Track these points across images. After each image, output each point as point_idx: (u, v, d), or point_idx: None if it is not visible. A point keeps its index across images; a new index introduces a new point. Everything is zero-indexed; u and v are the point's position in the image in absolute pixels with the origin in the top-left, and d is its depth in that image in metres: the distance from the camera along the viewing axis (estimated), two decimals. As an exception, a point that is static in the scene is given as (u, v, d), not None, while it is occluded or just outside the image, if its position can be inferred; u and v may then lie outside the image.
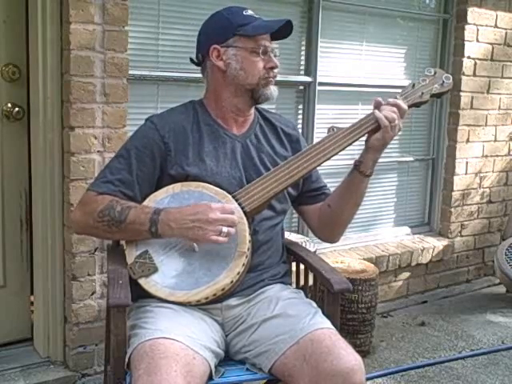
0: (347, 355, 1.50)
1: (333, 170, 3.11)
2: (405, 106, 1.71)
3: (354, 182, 1.76)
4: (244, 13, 1.75)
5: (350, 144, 1.72)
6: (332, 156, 1.71)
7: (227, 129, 1.78)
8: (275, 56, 1.77)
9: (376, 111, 1.68)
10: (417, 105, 1.77)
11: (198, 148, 1.72)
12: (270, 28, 1.73)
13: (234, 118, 1.78)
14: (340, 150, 1.71)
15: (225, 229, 1.57)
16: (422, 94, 1.75)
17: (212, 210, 1.57)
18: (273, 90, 1.76)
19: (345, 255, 3.30)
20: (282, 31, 1.76)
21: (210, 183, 1.68)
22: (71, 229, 2.35)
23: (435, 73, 1.78)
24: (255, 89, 1.73)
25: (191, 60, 1.83)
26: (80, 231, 1.78)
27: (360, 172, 1.74)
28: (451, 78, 1.78)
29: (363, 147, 1.75)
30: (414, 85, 1.76)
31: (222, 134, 1.76)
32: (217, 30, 1.74)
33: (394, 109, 1.69)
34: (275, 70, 1.76)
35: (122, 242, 1.80)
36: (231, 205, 1.63)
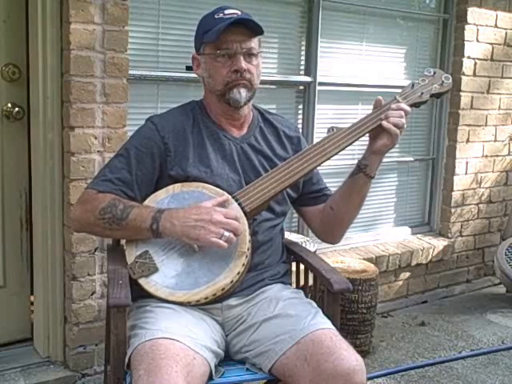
0: (349, 356, 1.49)
1: (333, 170, 3.11)
2: (409, 109, 1.71)
3: (359, 185, 1.76)
4: (215, 16, 1.68)
5: (350, 144, 1.71)
6: (332, 156, 1.71)
7: (226, 131, 1.77)
8: (251, 55, 1.68)
9: (384, 122, 1.66)
10: (416, 105, 1.77)
11: (199, 150, 1.72)
12: (218, 32, 1.63)
13: (228, 121, 1.78)
14: (340, 150, 1.71)
15: (226, 233, 1.56)
16: (422, 94, 1.75)
17: (216, 212, 1.57)
18: (236, 92, 1.69)
19: (345, 255, 3.30)
20: (253, 26, 1.67)
21: (210, 184, 1.68)
22: (71, 228, 2.35)
23: (434, 73, 1.78)
24: (222, 94, 1.71)
25: (187, 68, 1.84)
26: (79, 229, 1.77)
27: (366, 175, 1.73)
28: (450, 78, 1.79)
29: (365, 148, 1.75)
30: (413, 85, 1.76)
31: (221, 136, 1.76)
32: (195, 38, 1.77)
33: (402, 113, 1.68)
34: (243, 73, 1.67)
35: (122, 242, 1.80)
36: (233, 206, 1.63)
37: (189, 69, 1.84)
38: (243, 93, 1.70)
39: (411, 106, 1.75)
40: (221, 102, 1.74)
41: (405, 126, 1.68)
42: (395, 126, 1.66)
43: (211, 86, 1.73)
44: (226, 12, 1.69)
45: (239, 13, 1.70)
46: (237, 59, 1.67)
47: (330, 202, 1.84)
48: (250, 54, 1.69)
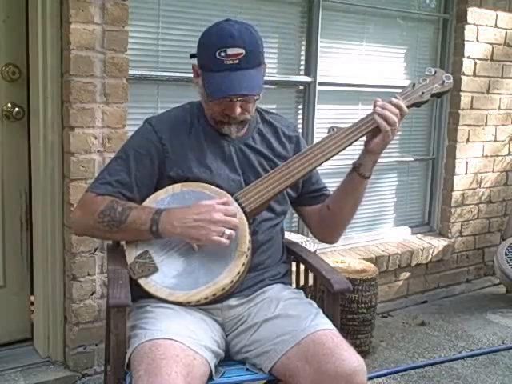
0: (350, 357, 1.49)
1: (333, 171, 3.10)
2: (405, 109, 1.70)
3: (353, 184, 1.76)
4: (217, 55, 1.58)
5: (350, 144, 1.71)
6: (332, 156, 1.71)
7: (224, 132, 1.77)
8: (248, 102, 1.65)
9: (376, 116, 1.66)
10: (417, 104, 1.77)
11: (197, 150, 1.72)
12: (218, 93, 1.60)
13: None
14: (340, 151, 1.71)
15: (227, 231, 1.57)
16: (423, 93, 1.75)
17: (215, 211, 1.57)
18: (227, 128, 1.70)
19: (345, 255, 3.30)
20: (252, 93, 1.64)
21: (210, 185, 1.68)
22: (71, 229, 2.35)
23: (435, 72, 1.78)
24: (211, 120, 1.72)
25: (192, 56, 1.81)
26: (80, 232, 1.78)
27: (359, 174, 1.74)
28: (451, 77, 1.78)
29: (362, 148, 1.75)
30: (414, 84, 1.76)
31: (219, 137, 1.76)
32: (198, 49, 1.68)
33: (397, 111, 1.67)
34: (236, 117, 1.66)
35: (122, 242, 1.80)
36: (233, 206, 1.63)
37: (193, 57, 1.80)
38: (234, 129, 1.71)
39: (412, 105, 1.75)
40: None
41: (397, 124, 1.66)
42: (386, 121, 1.65)
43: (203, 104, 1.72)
44: (229, 52, 1.59)
45: (242, 52, 1.59)
46: (232, 105, 1.64)
47: (327, 202, 1.85)
48: (247, 101, 1.66)
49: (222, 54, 1.60)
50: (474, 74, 3.67)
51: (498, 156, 3.93)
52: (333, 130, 1.72)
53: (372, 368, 2.76)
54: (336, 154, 1.71)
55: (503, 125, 3.91)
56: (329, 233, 1.90)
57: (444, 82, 1.77)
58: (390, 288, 3.54)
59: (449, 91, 1.82)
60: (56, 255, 2.49)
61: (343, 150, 1.71)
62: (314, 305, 1.72)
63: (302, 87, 3.21)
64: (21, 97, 2.51)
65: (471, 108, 3.70)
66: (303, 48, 3.17)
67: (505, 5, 3.71)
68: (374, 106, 1.71)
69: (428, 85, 1.76)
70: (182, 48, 2.70)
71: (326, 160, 1.71)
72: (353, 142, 1.71)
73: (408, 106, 1.72)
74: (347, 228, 1.91)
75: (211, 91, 1.62)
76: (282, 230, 1.90)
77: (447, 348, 3.05)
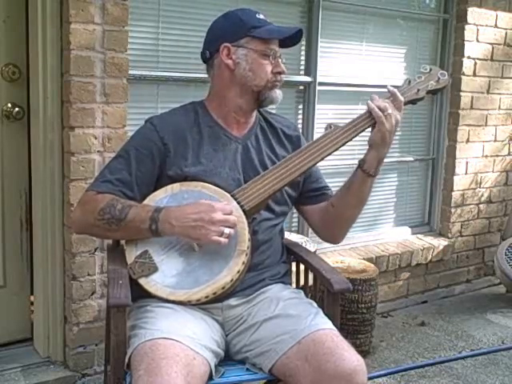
0: (350, 356, 1.49)
1: (334, 170, 3.11)
2: (400, 97, 1.70)
3: (357, 182, 1.75)
4: (257, 16, 1.76)
5: (348, 141, 1.71)
6: (330, 154, 1.71)
7: (228, 130, 1.77)
8: (283, 62, 1.78)
9: (368, 102, 1.68)
10: (413, 102, 1.77)
11: (198, 150, 1.72)
12: (283, 33, 1.74)
13: (235, 119, 1.78)
14: (337, 148, 1.70)
15: (227, 230, 1.57)
16: (418, 90, 1.75)
17: (215, 210, 1.57)
18: (278, 93, 1.78)
19: (345, 255, 3.30)
20: (291, 39, 1.78)
21: (209, 184, 1.68)
22: (71, 229, 2.35)
23: (431, 69, 1.78)
24: (261, 91, 1.74)
25: (202, 56, 1.80)
26: (80, 230, 1.78)
27: (363, 171, 1.72)
28: (446, 74, 1.79)
29: (365, 148, 1.74)
30: (409, 82, 1.76)
31: (222, 136, 1.76)
32: (229, 28, 1.74)
33: (386, 99, 1.69)
34: (282, 76, 1.78)
35: (122, 242, 1.80)
36: (231, 205, 1.63)
37: (204, 59, 1.79)
38: (280, 94, 1.78)
39: (408, 102, 1.75)
40: (247, 97, 1.74)
41: (389, 110, 1.65)
42: (378, 107, 1.65)
43: (248, 80, 1.73)
44: (262, 16, 1.77)
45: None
46: (278, 62, 1.77)
47: (332, 200, 1.84)
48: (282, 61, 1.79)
49: (260, 16, 1.77)
50: (474, 74, 3.67)
51: (497, 156, 3.93)
52: (330, 127, 1.72)
53: (372, 368, 2.76)
54: (334, 151, 1.71)
55: (503, 125, 3.91)
56: (332, 232, 1.89)
57: (439, 78, 1.77)
58: (390, 288, 3.54)
59: (444, 88, 1.83)
60: (56, 255, 2.49)
61: (341, 147, 1.71)
62: (314, 305, 1.72)
63: (301, 87, 3.21)
64: (21, 97, 2.51)
65: (471, 108, 3.70)
66: (303, 48, 3.16)
67: (505, 5, 3.71)
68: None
69: (423, 82, 1.76)
70: (182, 48, 2.70)
71: (324, 157, 1.71)
72: (350, 139, 1.71)
73: (404, 103, 1.72)
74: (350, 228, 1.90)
75: (271, 35, 1.72)
76: (282, 231, 1.90)
77: (447, 348, 3.05)
